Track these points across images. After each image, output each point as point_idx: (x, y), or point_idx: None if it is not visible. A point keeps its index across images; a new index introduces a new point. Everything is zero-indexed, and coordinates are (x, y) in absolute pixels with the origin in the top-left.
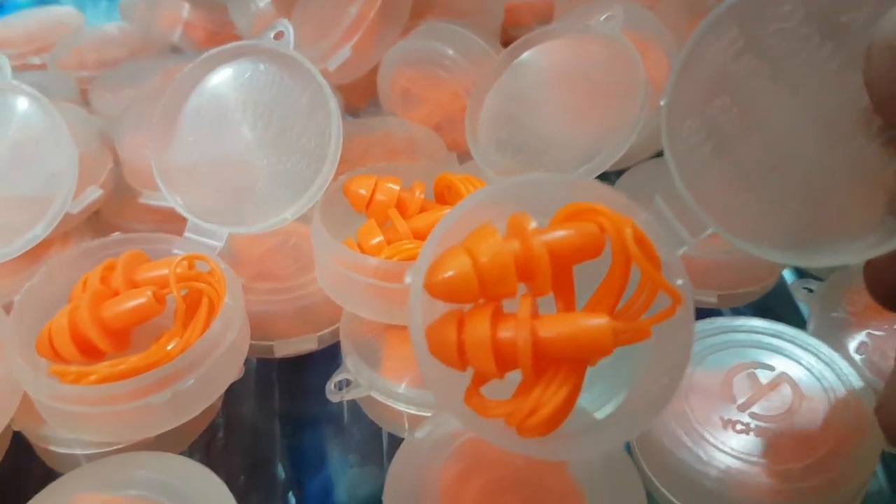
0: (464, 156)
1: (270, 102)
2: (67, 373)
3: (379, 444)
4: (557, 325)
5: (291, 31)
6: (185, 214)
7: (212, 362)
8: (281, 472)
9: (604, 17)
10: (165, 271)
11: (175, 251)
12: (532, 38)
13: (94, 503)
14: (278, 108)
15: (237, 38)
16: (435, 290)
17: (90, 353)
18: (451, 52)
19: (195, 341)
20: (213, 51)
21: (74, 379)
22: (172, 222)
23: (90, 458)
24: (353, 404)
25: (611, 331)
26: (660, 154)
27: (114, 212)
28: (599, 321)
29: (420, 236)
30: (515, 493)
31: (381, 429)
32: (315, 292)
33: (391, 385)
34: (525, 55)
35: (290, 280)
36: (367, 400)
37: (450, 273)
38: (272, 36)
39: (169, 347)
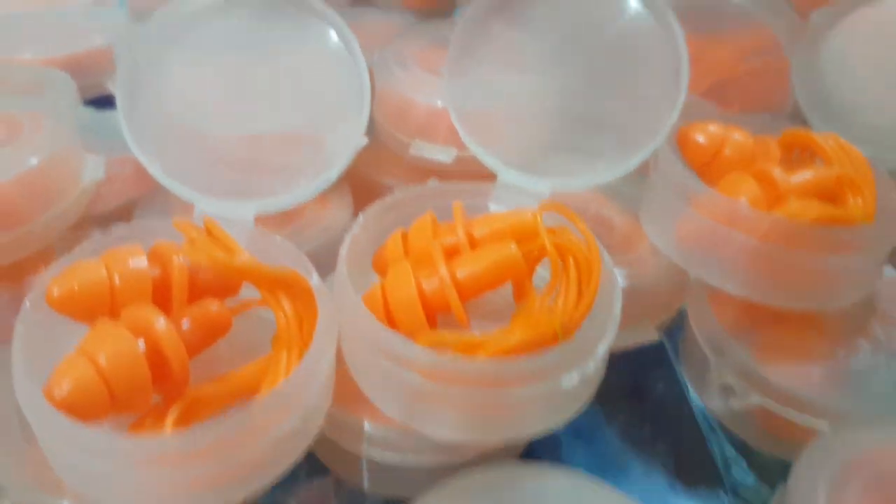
0: None
1: (589, 36)
2: (445, 342)
3: None
4: None
5: None
6: (496, 165)
7: (610, 336)
8: None
9: None
10: (502, 226)
11: (492, 206)
12: None
13: None
14: (606, 32)
15: None
16: None
17: (434, 327)
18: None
19: (585, 310)
20: None
21: (461, 351)
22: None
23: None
24: None
25: None
26: None
27: (368, 164)
28: None
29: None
30: None
31: None
32: (648, 273)
33: None
34: None
35: (615, 256)
36: None
37: None
38: None
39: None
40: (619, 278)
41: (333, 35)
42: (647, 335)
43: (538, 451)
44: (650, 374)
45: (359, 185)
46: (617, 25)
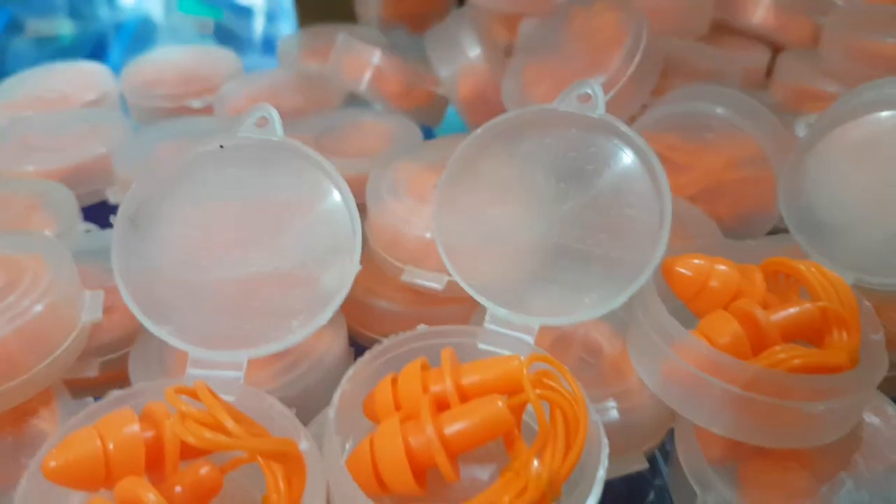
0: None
1: (573, 173)
2: None
3: None
4: None
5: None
6: (485, 302)
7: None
8: None
9: None
10: (490, 375)
11: (481, 346)
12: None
13: None
14: (592, 170)
15: (432, 93)
16: None
17: (423, 483)
18: (720, 110)
19: (570, 467)
20: (508, 116)
21: None
22: (426, 305)
23: None
24: None
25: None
26: None
27: (363, 288)
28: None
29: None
30: None
31: None
32: (638, 406)
33: None
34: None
35: (600, 387)
36: None
37: None
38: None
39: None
40: (613, 411)
41: (325, 181)
42: (636, 464)
43: None
44: (641, 483)
45: (351, 307)
46: (600, 164)
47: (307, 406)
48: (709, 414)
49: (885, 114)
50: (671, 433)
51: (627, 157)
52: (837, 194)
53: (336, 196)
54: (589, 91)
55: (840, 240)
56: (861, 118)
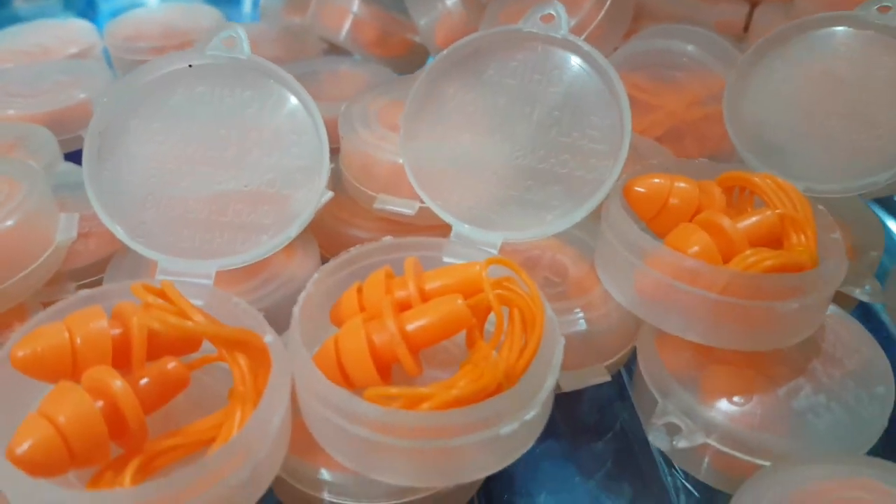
0: None
1: (537, 95)
2: (390, 396)
3: None
4: None
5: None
6: (450, 219)
7: (549, 386)
8: None
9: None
10: (451, 280)
11: (446, 259)
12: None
13: None
14: (555, 91)
15: (410, 42)
16: None
17: (387, 378)
18: (690, 48)
19: (528, 359)
20: (473, 36)
21: (407, 404)
22: (399, 233)
23: None
24: None
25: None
26: None
27: (336, 216)
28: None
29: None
30: None
31: None
32: (601, 317)
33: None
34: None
35: (564, 300)
36: None
37: None
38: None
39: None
40: (580, 321)
41: (294, 99)
42: (599, 376)
43: (496, 486)
44: (612, 407)
45: (326, 237)
46: (563, 84)
47: (277, 324)
48: (685, 323)
49: (818, 32)
50: (635, 355)
51: (589, 77)
52: (779, 111)
53: (304, 115)
54: (552, 11)
55: (784, 154)
56: (796, 38)
